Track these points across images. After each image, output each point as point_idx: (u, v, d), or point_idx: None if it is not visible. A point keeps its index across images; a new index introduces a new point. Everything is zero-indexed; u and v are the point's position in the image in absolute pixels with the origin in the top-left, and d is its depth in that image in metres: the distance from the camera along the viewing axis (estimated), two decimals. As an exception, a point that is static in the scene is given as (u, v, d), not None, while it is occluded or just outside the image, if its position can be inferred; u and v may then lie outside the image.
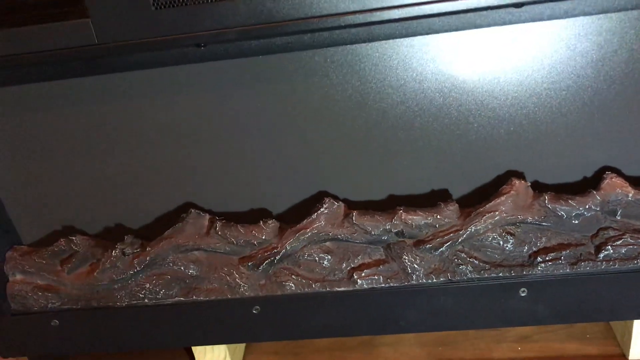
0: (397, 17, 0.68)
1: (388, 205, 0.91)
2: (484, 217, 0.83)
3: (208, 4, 0.68)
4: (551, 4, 0.76)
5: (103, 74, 0.86)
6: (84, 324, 0.91)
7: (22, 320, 0.92)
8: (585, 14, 0.77)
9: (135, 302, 0.90)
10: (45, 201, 0.97)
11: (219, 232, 0.87)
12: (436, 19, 0.78)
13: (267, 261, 0.87)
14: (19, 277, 0.92)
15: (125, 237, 0.89)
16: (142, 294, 0.89)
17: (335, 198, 0.86)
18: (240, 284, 0.88)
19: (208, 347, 0.97)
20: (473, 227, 0.83)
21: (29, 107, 0.90)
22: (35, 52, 0.70)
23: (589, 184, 0.86)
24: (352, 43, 0.81)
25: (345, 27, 0.74)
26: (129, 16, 0.68)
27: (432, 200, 0.87)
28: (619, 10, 0.77)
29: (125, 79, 0.87)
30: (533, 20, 0.78)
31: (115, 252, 0.88)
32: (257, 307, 0.88)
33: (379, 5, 0.67)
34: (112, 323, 0.91)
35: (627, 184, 0.80)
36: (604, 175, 0.81)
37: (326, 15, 0.68)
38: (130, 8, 0.67)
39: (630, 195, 0.80)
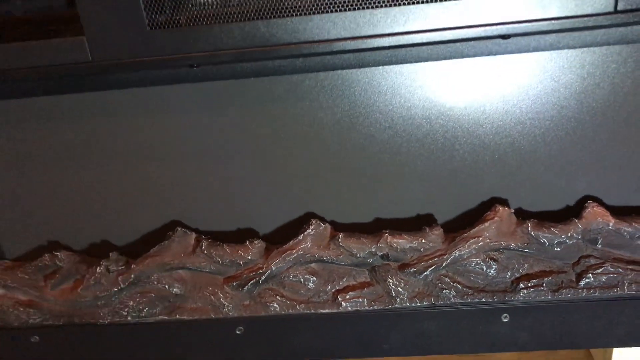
0: (387, 44, 0.69)
1: (374, 228, 0.91)
2: (468, 242, 0.84)
3: (202, 26, 0.69)
4: (537, 37, 0.78)
5: (93, 91, 0.87)
6: (65, 340, 0.90)
7: (2, 335, 0.90)
8: (569, 47, 0.80)
9: (118, 319, 0.89)
10: (31, 216, 0.97)
11: (205, 251, 0.87)
12: (425, 48, 0.80)
13: (252, 281, 0.87)
14: (0, 291, 0.91)
15: (110, 253, 0.89)
16: (125, 312, 0.89)
17: (322, 220, 0.87)
18: (225, 304, 0.88)
19: (190, 367, 0.96)
20: (457, 252, 0.84)
21: (18, 121, 0.90)
22: (30, 67, 0.71)
23: (571, 212, 0.88)
24: (342, 68, 0.82)
25: (336, 52, 0.76)
26: (123, 35, 0.69)
27: (417, 224, 0.88)
28: (602, 45, 0.80)
29: (115, 96, 0.88)
30: (519, 51, 0.80)
31: (99, 269, 0.88)
32: (241, 327, 0.88)
33: (370, 33, 0.69)
34: (94, 340, 0.90)
35: (608, 213, 0.82)
36: (586, 204, 0.83)
37: (318, 40, 0.69)
38: (125, 28, 0.68)
39: (611, 224, 0.82)
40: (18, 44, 0.70)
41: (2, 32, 0.72)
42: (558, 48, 0.80)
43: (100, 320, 0.89)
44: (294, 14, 0.68)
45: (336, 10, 0.68)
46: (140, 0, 0.66)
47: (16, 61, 0.71)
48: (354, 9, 0.67)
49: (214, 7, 0.70)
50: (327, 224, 0.87)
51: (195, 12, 0.69)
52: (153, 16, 0.68)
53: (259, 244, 0.87)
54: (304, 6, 0.68)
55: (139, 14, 0.67)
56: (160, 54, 0.70)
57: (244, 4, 0.69)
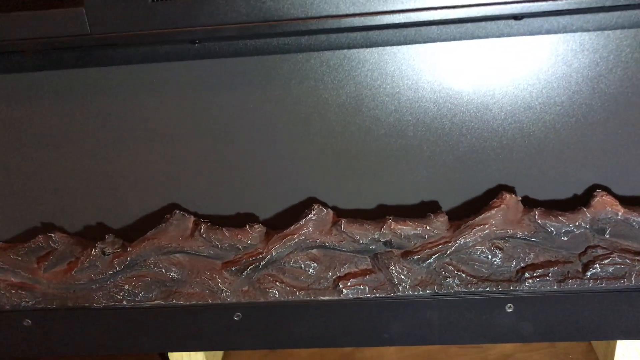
0: (396, 22, 0.67)
1: (377, 214, 0.90)
2: (474, 229, 0.82)
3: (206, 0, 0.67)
4: (549, 18, 0.76)
5: (91, 67, 0.84)
6: (58, 324, 0.89)
7: (-7, 318, 0.89)
8: (582, 30, 0.78)
9: (112, 303, 0.87)
10: (24, 197, 0.94)
11: (204, 235, 0.85)
12: (434, 28, 0.78)
13: (251, 266, 0.85)
14: (-8, 273, 0.89)
15: (106, 236, 0.87)
16: (120, 296, 0.87)
17: (324, 205, 0.85)
18: (223, 289, 0.86)
19: (185, 353, 0.95)
20: (462, 240, 0.82)
21: (12, 98, 0.87)
22: (24, 38, 0.68)
23: (579, 201, 0.86)
24: (348, 48, 0.80)
25: (344, 30, 0.73)
26: (124, 7, 0.66)
27: (421, 211, 0.86)
28: (616, 28, 0.78)
29: (113, 73, 0.85)
30: (531, 33, 0.78)
31: (95, 251, 0.86)
32: (239, 313, 0.86)
33: (379, 9, 0.67)
34: (87, 325, 0.88)
35: (617, 203, 0.81)
36: (595, 193, 0.81)
37: (325, 16, 0.67)
38: (126, -1, 0.66)
39: (620, 214, 0.80)
40: (12, 14, 0.67)
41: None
42: (571, 31, 0.78)
43: (95, 304, 0.87)
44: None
45: (345, -15, 0.66)
46: (142, -30, 0.64)
47: (10, 32, 0.68)
48: (364, -16, 0.65)
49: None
50: (329, 209, 0.85)
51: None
52: (155, -13, 0.66)
53: (259, 229, 0.85)
54: (312, -20, 0.66)
55: (140, -16, 0.65)
56: (161, 27, 0.68)
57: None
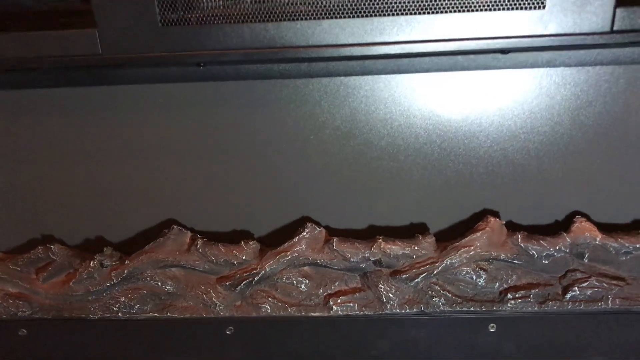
0: (392, 52, 0.71)
1: (368, 234, 0.93)
2: (460, 251, 0.85)
3: (213, 25, 0.70)
4: (534, 53, 0.81)
5: (97, 85, 0.87)
6: (54, 334, 0.90)
7: (-11, 327, 0.90)
8: (565, 65, 0.83)
9: (108, 315, 0.89)
10: (25, 209, 0.97)
11: (200, 250, 0.88)
12: (427, 59, 0.82)
13: (245, 282, 0.87)
14: (-10, 283, 0.90)
15: (105, 248, 0.89)
16: (116, 307, 0.89)
17: (317, 224, 0.88)
18: (217, 303, 0.88)
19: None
20: (448, 260, 0.85)
21: (18, 113, 0.90)
22: (39, 56, 0.71)
23: (560, 226, 0.90)
24: (345, 75, 0.84)
25: (342, 58, 0.77)
26: (135, 31, 0.70)
27: (410, 232, 0.89)
28: (596, 65, 0.83)
29: (117, 91, 0.88)
30: (516, 67, 0.83)
31: (93, 263, 0.88)
32: (231, 327, 0.88)
33: (376, 40, 0.71)
34: (83, 335, 0.90)
35: (596, 229, 0.84)
36: (574, 219, 0.85)
37: (325, 45, 0.71)
38: (137, 23, 0.69)
39: (598, 239, 0.84)
40: (30, 33, 0.71)
41: (14, 21, 0.72)
42: (554, 65, 0.83)
43: (90, 315, 0.89)
44: (304, 18, 0.70)
45: (344, 17, 0.70)
46: (155, -4, 0.68)
47: (26, 50, 0.71)
48: (362, 16, 0.69)
49: (225, 7, 0.71)
50: (322, 228, 0.88)
51: (207, 12, 0.71)
52: (165, 13, 0.69)
53: (253, 245, 0.88)
54: (314, 11, 0.70)
55: (152, 10, 0.68)
56: (169, 50, 0.71)
57: (254, 6, 0.70)
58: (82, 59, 0.71)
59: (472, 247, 0.85)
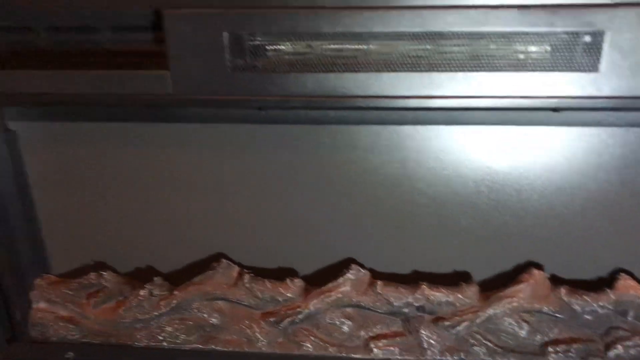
0: (447, 106, 0.74)
1: (410, 279, 0.94)
2: (503, 301, 0.86)
3: (278, 73, 0.74)
4: (585, 113, 0.83)
5: (161, 122, 0.92)
6: (99, 359, 0.92)
7: (38, 348, 0.93)
8: (614, 125, 0.84)
9: (153, 343, 0.91)
10: (81, 236, 1.01)
11: (247, 285, 0.90)
12: (479, 112, 0.84)
13: (289, 319, 0.89)
14: (43, 305, 0.94)
15: (155, 278, 0.92)
16: (161, 337, 0.91)
17: (362, 266, 0.89)
18: (260, 339, 0.90)
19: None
20: (491, 310, 0.86)
21: (83, 143, 0.95)
22: (113, 94, 0.76)
23: (603, 283, 0.90)
24: (399, 124, 0.87)
25: (397, 109, 0.80)
26: (205, 73, 0.73)
27: (453, 280, 0.90)
28: (643, 126, 0.85)
29: (176, 129, 0.92)
30: (567, 124, 0.85)
31: (143, 292, 0.91)
32: (272, 364, 0.90)
33: (432, 94, 0.73)
34: (127, 362, 0.92)
35: (640, 287, 0.85)
36: (618, 276, 0.85)
37: (382, 96, 0.74)
38: (208, 67, 0.73)
39: (643, 298, 0.84)
40: (106, 72, 0.76)
41: (91, 59, 0.77)
42: (604, 125, 0.84)
43: (136, 343, 0.92)
44: (364, 70, 0.73)
45: (402, 71, 0.73)
46: (226, 44, 0.71)
47: (101, 87, 0.76)
48: (421, 71, 0.72)
49: (288, 57, 0.75)
50: (366, 271, 0.89)
51: (272, 60, 0.75)
52: (235, 60, 0.73)
53: (299, 283, 0.90)
54: (374, 64, 0.73)
55: (223, 56, 0.72)
56: (236, 94, 0.75)
57: (317, 58, 0.74)
58: (153, 97, 0.75)
59: (515, 298, 0.86)
